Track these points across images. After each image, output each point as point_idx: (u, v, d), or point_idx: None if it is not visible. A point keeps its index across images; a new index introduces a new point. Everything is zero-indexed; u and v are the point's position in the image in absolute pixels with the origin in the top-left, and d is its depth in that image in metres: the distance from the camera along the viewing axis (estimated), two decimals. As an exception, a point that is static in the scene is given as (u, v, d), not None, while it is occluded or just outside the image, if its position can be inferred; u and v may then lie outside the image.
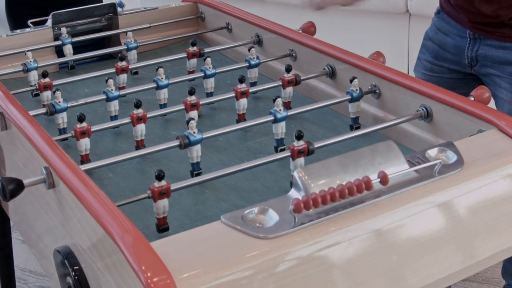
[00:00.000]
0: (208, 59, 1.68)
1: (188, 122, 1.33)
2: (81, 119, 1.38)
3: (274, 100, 1.42)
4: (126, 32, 1.96)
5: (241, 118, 1.55)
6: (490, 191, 1.14)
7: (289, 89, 1.61)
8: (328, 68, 1.64)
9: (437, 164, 1.11)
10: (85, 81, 1.75)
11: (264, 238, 0.97)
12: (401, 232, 1.06)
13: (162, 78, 1.63)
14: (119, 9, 2.06)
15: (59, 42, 1.94)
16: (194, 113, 1.50)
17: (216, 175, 1.25)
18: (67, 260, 1.13)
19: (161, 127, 1.59)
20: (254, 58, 1.72)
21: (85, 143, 1.40)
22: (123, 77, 1.72)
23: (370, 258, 1.03)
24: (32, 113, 1.46)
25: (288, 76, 1.60)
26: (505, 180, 1.16)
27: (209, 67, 1.66)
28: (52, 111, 1.51)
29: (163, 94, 1.63)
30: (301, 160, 1.28)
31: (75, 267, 1.12)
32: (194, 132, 1.32)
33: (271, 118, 1.41)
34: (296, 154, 1.27)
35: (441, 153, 1.16)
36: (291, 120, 1.49)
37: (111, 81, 1.57)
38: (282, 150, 1.42)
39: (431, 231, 1.08)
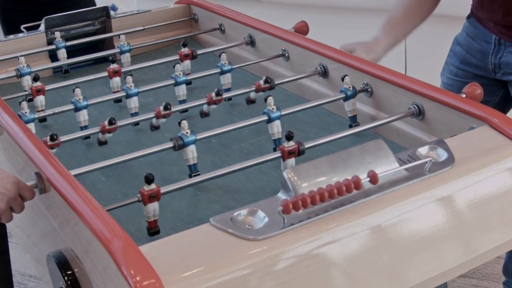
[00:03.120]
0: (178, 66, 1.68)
1: (180, 122, 1.32)
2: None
3: (265, 100, 1.42)
4: (119, 35, 1.96)
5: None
6: (481, 188, 1.14)
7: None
8: (321, 67, 1.63)
9: (427, 162, 1.11)
10: (78, 85, 1.74)
11: (253, 240, 0.97)
12: (392, 231, 1.06)
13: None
14: (112, 13, 2.06)
15: (52, 47, 1.94)
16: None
17: (208, 177, 1.25)
18: (60, 265, 1.13)
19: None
20: (225, 63, 1.71)
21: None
22: (117, 80, 1.72)
23: (361, 257, 1.03)
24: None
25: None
26: (496, 177, 1.16)
27: (179, 74, 1.66)
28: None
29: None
30: (292, 161, 1.27)
31: (68, 272, 1.12)
32: (187, 133, 1.32)
33: (265, 118, 1.41)
34: (286, 154, 1.26)
35: (432, 151, 1.16)
36: (284, 120, 1.49)
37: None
38: None
39: (422, 229, 1.08)
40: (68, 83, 1.71)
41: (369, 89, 1.51)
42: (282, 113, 1.43)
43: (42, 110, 1.61)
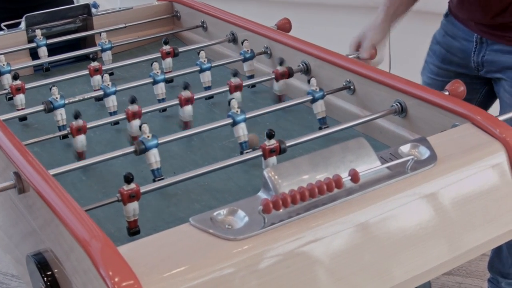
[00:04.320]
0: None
1: (140, 126, 1.31)
2: (76, 116, 1.38)
3: (229, 103, 1.40)
4: (100, 33, 1.94)
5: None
6: (464, 186, 1.13)
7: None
8: (303, 64, 1.62)
9: (409, 160, 1.10)
10: (60, 83, 1.73)
11: (234, 240, 0.96)
12: (374, 230, 1.05)
13: (158, 73, 1.63)
14: (93, 10, 2.04)
15: (33, 45, 1.92)
16: (188, 108, 1.50)
17: (189, 176, 1.24)
18: (39, 266, 1.12)
19: (160, 122, 1.58)
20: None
21: (81, 140, 1.40)
22: (98, 78, 1.70)
23: (343, 256, 1.02)
24: (4, 117, 1.44)
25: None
26: (478, 175, 1.15)
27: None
28: (51, 107, 1.50)
29: (161, 89, 1.64)
30: (273, 159, 1.26)
31: (47, 273, 1.11)
32: (148, 137, 1.30)
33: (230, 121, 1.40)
34: (268, 153, 1.25)
35: (414, 149, 1.15)
36: (266, 118, 1.48)
37: (106, 76, 1.58)
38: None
39: (404, 227, 1.07)
40: (49, 81, 1.69)
41: (351, 87, 1.50)
42: (264, 111, 1.42)
43: (22, 109, 1.60)
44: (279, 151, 1.26)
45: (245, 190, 1.29)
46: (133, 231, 1.18)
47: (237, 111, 1.39)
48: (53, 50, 1.95)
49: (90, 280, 0.96)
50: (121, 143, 1.47)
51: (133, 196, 1.15)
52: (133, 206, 1.16)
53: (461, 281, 2.45)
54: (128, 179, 1.14)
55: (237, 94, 1.57)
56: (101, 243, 0.95)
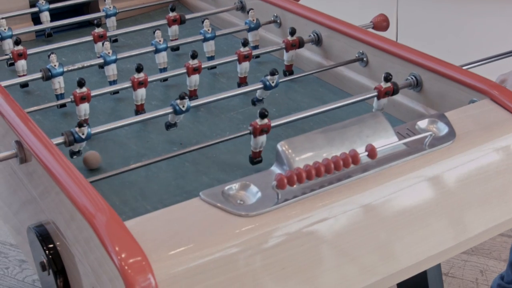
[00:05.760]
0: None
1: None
2: (80, 84, 1.34)
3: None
4: (104, -2, 1.89)
5: (242, 82, 1.52)
6: (482, 164, 1.09)
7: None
8: (314, 35, 1.58)
9: (427, 136, 1.06)
10: (62, 49, 1.68)
11: (246, 216, 0.92)
12: (390, 208, 1.01)
13: (160, 41, 1.57)
14: (98, -26, 1.99)
15: (35, 9, 1.87)
16: (195, 77, 1.46)
17: (197, 147, 1.20)
18: (41, 238, 1.08)
19: (162, 91, 1.54)
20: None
21: (84, 108, 1.36)
22: (101, 44, 1.66)
23: (357, 235, 0.98)
24: (5, 83, 1.39)
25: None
26: (498, 153, 1.11)
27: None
28: (48, 75, 1.45)
29: (163, 58, 1.59)
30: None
31: (49, 245, 1.07)
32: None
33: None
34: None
35: (432, 124, 1.11)
36: (275, 90, 1.43)
37: (107, 44, 1.53)
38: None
39: (421, 206, 1.04)
40: (51, 47, 1.64)
41: (364, 59, 1.46)
42: (274, 82, 1.38)
43: (23, 75, 1.55)
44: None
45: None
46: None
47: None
48: (55, 15, 1.90)
49: (95, 255, 0.92)
50: (126, 113, 1.42)
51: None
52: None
53: (466, 258, 2.42)
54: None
55: (246, 64, 1.52)
56: (107, 217, 0.91)
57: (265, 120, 1.20)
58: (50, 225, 1.08)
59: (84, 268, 0.96)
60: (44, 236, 1.07)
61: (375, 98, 1.32)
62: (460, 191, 1.07)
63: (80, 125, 1.18)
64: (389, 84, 1.31)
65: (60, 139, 1.18)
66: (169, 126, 1.29)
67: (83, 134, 1.19)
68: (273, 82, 1.36)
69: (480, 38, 2.95)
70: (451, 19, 2.97)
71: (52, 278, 1.06)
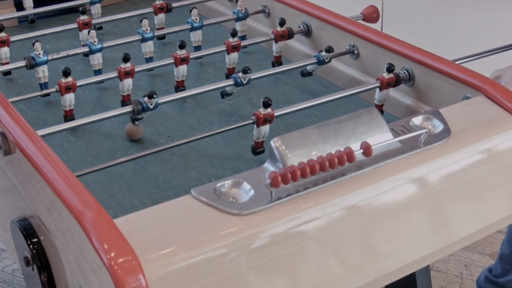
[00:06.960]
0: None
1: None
2: (66, 73, 1.30)
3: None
4: (89, -15, 1.85)
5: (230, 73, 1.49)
6: (477, 162, 1.08)
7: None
8: (304, 26, 1.55)
9: (422, 134, 1.04)
10: (45, 36, 1.64)
11: (238, 215, 0.89)
12: (384, 207, 0.99)
13: (147, 30, 1.54)
14: (82, -40, 1.95)
15: (18, -6, 1.83)
16: (183, 67, 1.43)
17: (185, 141, 1.18)
18: (25, 232, 1.05)
19: (148, 81, 1.51)
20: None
21: (69, 98, 1.32)
22: (86, 32, 1.62)
23: (351, 234, 0.96)
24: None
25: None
26: (492, 151, 1.09)
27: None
28: (33, 64, 1.41)
29: (149, 47, 1.56)
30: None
31: (33, 240, 1.04)
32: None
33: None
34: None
35: (427, 121, 1.09)
36: (263, 80, 1.40)
37: (93, 32, 1.49)
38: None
39: (416, 205, 1.01)
40: (34, 34, 1.60)
41: (355, 51, 1.43)
42: (260, 75, 1.35)
43: (6, 63, 1.51)
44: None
45: (243, 157, 1.22)
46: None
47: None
48: (39, 1, 1.85)
49: (82, 252, 0.89)
50: (112, 103, 1.39)
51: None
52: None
53: (450, 252, 2.41)
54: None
55: (234, 55, 1.49)
56: (94, 213, 0.88)
57: (269, 110, 1.18)
58: (34, 219, 1.05)
59: (71, 266, 0.93)
60: (28, 229, 1.04)
61: (377, 89, 1.30)
62: (455, 190, 1.05)
63: (150, 96, 1.21)
64: (391, 75, 1.28)
65: (44, 131, 1.15)
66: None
67: (151, 104, 1.21)
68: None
69: (470, 32, 2.92)
70: (440, 11, 2.95)
71: (36, 273, 1.04)
